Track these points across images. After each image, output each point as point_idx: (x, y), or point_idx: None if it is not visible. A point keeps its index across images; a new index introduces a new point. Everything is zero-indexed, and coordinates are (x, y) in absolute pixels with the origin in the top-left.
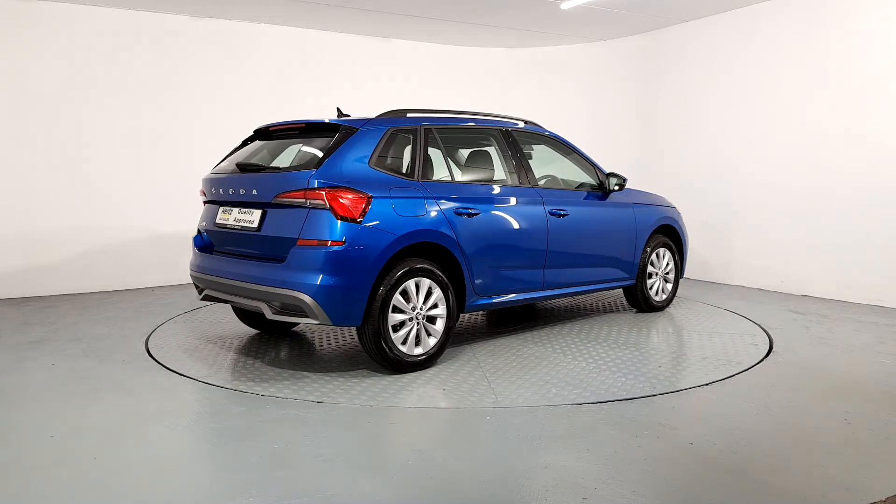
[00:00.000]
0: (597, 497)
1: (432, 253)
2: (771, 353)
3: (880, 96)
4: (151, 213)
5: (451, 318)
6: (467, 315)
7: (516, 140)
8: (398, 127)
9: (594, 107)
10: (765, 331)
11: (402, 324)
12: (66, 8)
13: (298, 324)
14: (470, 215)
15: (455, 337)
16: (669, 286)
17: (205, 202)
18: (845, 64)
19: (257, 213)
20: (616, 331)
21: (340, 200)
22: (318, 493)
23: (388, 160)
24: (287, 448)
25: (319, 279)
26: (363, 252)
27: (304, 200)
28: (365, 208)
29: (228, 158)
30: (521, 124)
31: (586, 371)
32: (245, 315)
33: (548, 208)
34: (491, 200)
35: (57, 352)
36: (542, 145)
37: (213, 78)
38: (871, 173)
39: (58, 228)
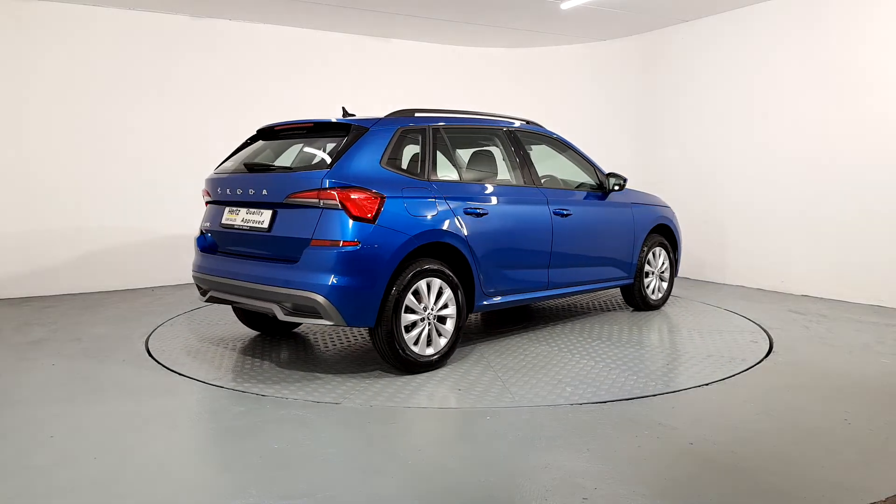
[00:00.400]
0: (597, 497)
1: (442, 253)
2: (771, 353)
3: (880, 96)
4: (151, 213)
5: (461, 317)
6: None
7: (520, 140)
8: (407, 127)
9: (593, 107)
10: (765, 330)
11: (413, 324)
12: (66, 8)
13: (300, 324)
14: (479, 215)
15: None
16: (665, 285)
17: (208, 202)
18: (845, 64)
19: (267, 214)
20: (618, 330)
21: (354, 200)
22: (319, 493)
23: (399, 160)
24: (287, 448)
25: (334, 280)
26: (377, 252)
27: (317, 200)
28: (379, 208)
29: (232, 158)
30: (525, 124)
31: (597, 370)
32: (246, 316)
33: (552, 208)
34: (499, 200)
35: (57, 352)
36: (543, 145)
37: (213, 78)
38: (870, 173)
39: (58, 228)
